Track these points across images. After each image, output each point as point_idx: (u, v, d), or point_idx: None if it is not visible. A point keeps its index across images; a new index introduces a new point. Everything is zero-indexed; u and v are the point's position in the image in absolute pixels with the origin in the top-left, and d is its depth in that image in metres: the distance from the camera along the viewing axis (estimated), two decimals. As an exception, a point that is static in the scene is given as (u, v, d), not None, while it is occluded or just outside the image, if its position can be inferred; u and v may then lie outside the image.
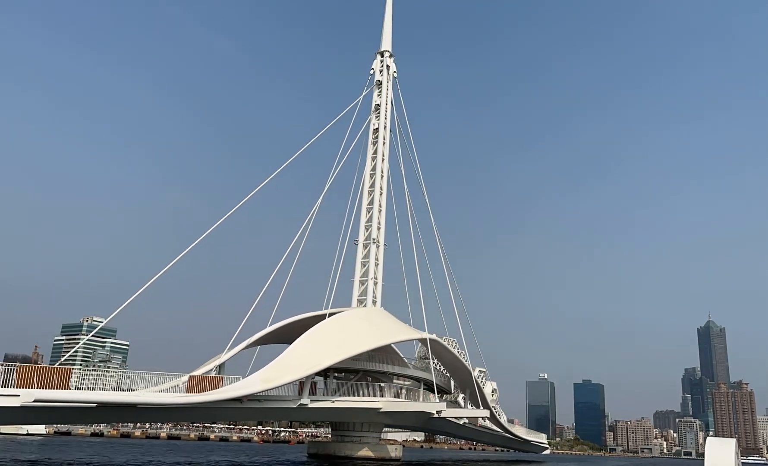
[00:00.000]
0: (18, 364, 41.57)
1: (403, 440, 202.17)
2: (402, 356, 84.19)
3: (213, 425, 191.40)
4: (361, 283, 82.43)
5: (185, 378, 50.38)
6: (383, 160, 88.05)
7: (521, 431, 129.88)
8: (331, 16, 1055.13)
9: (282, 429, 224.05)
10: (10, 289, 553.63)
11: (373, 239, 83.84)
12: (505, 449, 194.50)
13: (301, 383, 57.98)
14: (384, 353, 74.61)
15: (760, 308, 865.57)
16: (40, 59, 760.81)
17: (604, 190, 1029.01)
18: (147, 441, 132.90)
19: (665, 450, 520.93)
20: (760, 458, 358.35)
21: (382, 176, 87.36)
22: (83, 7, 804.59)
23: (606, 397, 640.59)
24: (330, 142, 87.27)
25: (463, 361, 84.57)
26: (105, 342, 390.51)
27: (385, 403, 67.54)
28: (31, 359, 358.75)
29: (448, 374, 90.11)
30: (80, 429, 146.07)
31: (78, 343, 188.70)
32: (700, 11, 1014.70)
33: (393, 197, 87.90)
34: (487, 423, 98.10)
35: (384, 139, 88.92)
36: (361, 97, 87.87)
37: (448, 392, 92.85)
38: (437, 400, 74.37)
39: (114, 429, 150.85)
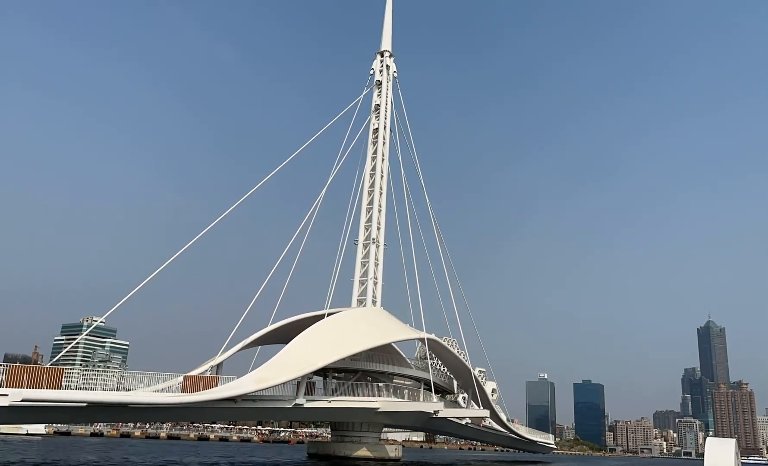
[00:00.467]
0: (8, 364, 41.58)
1: (403, 441, 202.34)
2: (404, 356, 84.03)
3: (213, 425, 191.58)
4: (361, 283, 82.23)
5: (181, 378, 50.23)
6: (383, 160, 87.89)
7: (524, 431, 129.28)
8: (330, 17, 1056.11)
9: (282, 429, 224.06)
10: (10, 289, 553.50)
11: (373, 239, 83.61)
12: (508, 450, 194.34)
13: (298, 383, 57.66)
14: (385, 352, 74.41)
15: (760, 308, 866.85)
16: (40, 59, 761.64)
17: (604, 190, 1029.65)
18: (147, 441, 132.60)
19: (665, 450, 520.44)
20: (760, 459, 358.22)
21: (381, 176, 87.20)
22: (83, 7, 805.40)
23: (606, 397, 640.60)
24: (330, 142, 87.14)
25: (464, 361, 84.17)
26: (105, 342, 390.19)
27: (382, 403, 67.25)
28: (31, 359, 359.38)
29: (451, 375, 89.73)
30: (80, 429, 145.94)
31: (74, 341, 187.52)
32: (699, 11, 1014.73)
33: (393, 197, 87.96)
34: (492, 423, 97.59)
35: (384, 139, 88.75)
36: (361, 97, 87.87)
37: (451, 392, 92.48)
38: (436, 400, 73.93)
39: (114, 429, 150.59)
